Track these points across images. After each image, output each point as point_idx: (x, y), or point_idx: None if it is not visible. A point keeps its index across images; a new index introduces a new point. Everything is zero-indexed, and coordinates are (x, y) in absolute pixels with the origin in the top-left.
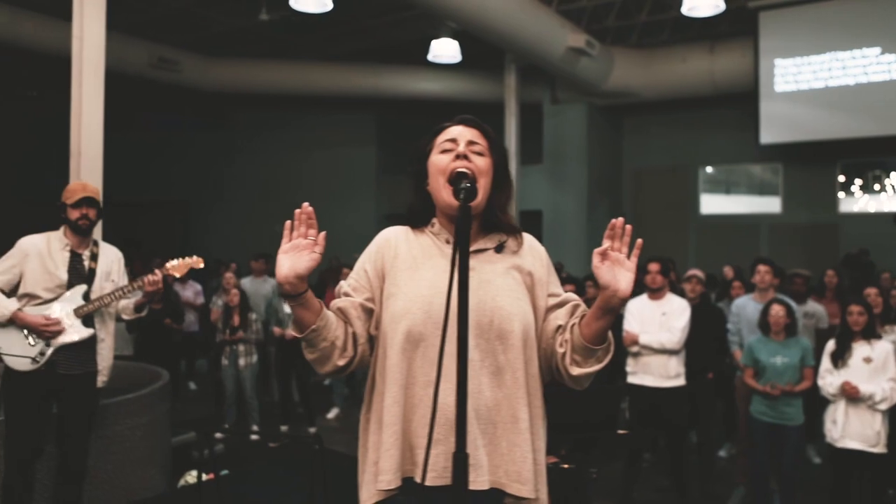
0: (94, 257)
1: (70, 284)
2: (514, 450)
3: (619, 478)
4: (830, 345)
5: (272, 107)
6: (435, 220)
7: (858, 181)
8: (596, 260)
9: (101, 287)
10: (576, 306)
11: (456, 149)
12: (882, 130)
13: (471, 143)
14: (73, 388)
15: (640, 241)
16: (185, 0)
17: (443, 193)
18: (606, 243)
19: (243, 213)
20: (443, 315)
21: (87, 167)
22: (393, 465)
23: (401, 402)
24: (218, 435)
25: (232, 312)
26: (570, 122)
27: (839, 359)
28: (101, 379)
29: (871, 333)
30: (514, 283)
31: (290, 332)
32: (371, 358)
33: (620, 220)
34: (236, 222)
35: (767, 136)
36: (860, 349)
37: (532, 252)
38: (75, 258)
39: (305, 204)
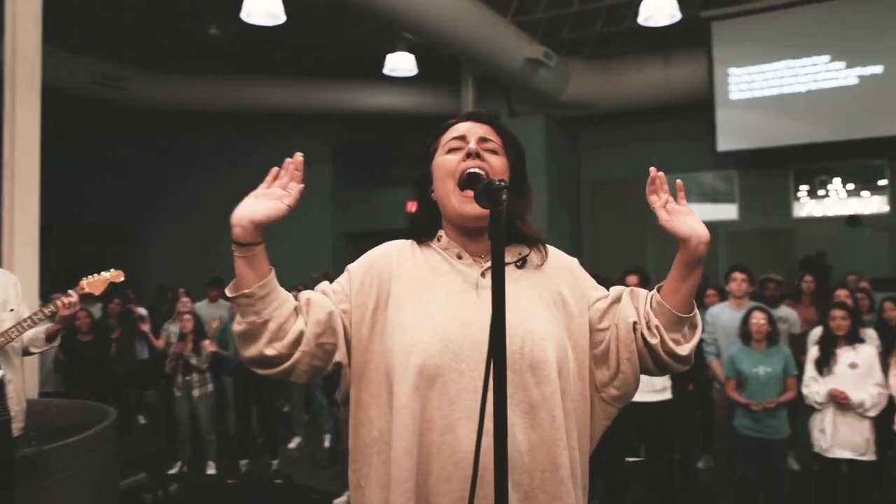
0: None
1: None
2: None
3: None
4: (814, 351)
5: (222, 125)
6: (442, 233)
7: (805, 187)
8: (664, 216)
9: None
10: (632, 292)
11: (466, 147)
12: (831, 136)
13: (482, 139)
14: None
15: (679, 181)
16: (131, 15)
17: (452, 200)
18: (655, 198)
19: (192, 237)
20: (462, 343)
21: (21, 188)
22: None
23: (414, 453)
24: (172, 471)
25: (186, 339)
26: (528, 135)
27: (824, 366)
28: (18, 426)
29: (854, 338)
30: (543, 303)
31: (210, 345)
32: (342, 389)
33: (653, 169)
34: (184, 246)
35: (724, 143)
36: (845, 355)
37: (559, 264)
38: None
39: (298, 154)
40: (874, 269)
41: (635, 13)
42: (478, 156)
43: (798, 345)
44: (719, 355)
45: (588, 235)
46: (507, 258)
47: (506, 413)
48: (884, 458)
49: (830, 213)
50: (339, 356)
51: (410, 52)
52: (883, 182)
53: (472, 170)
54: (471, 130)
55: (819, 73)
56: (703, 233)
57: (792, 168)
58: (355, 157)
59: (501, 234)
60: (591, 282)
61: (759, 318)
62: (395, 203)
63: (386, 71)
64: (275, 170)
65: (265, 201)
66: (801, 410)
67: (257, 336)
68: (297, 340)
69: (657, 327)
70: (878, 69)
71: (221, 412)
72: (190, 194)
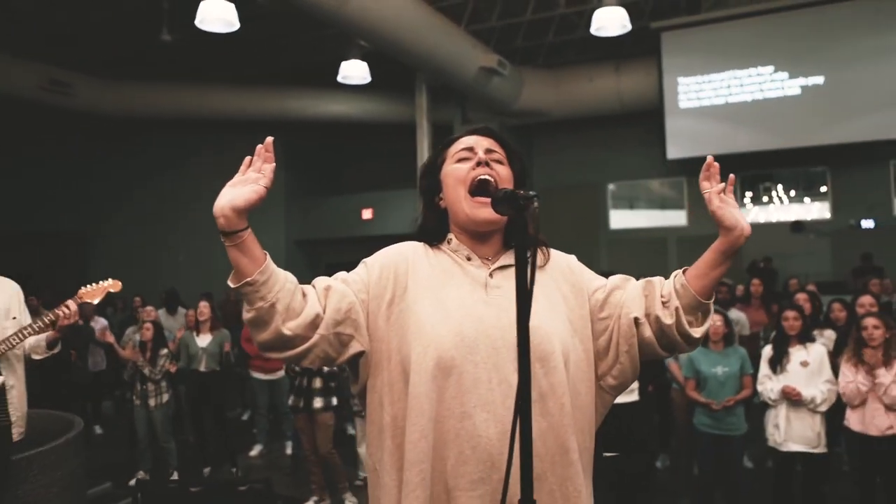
0: None
1: None
2: (565, 485)
3: None
4: (768, 350)
5: (175, 131)
6: (451, 236)
7: (750, 193)
8: (716, 202)
9: (1, 327)
10: (648, 282)
11: (475, 157)
12: (775, 144)
13: (489, 150)
14: None
15: (732, 176)
16: (82, 20)
17: (463, 205)
18: (707, 185)
19: (145, 244)
20: (476, 338)
21: None
22: None
23: (429, 437)
24: (133, 481)
25: (146, 347)
26: None
27: (777, 364)
28: (18, 431)
29: (806, 337)
30: (546, 300)
31: (171, 365)
32: (361, 379)
33: (711, 157)
34: (137, 253)
35: (674, 151)
36: (797, 353)
37: (558, 263)
38: None
39: (269, 138)
40: (817, 273)
41: (587, 23)
42: (487, 165)
43: (747, 346)
44: (677, 357)
45: (542, 241)
46: (512, 260)
47: (530, 404)
48: (832, 452)
49: (774, 218)
50: (362, 345)
51: (364, 59)
52: (824, 189)
53: (482, 177)
54: (478, 142)
55: (764, 83)
56: (747, 227)
57: (738, 175)
58: (309, 163)
59: (527, 238)
60: (589, 273)
61: (715, 321)
62: (350, 210)
63: (340, 78)
64: (247, 158)
65: (241, 187)
66: (754, 409)
67: (269, 320)
68: (315, 323)
69: (677, 309)
70: (819, 80)
71: (180, 421)
72: (142, 201)
